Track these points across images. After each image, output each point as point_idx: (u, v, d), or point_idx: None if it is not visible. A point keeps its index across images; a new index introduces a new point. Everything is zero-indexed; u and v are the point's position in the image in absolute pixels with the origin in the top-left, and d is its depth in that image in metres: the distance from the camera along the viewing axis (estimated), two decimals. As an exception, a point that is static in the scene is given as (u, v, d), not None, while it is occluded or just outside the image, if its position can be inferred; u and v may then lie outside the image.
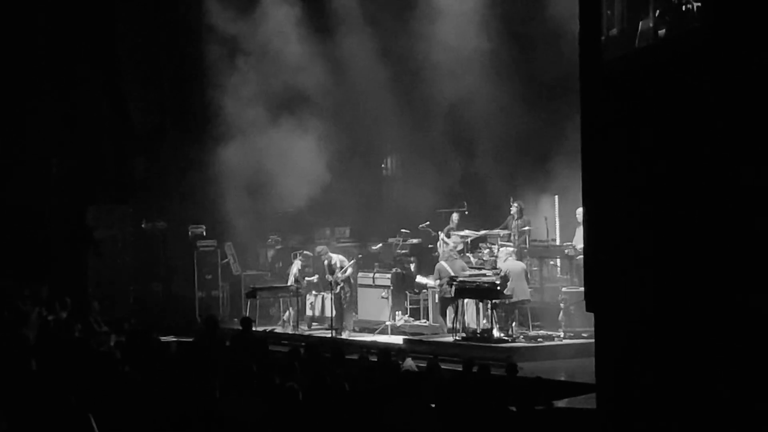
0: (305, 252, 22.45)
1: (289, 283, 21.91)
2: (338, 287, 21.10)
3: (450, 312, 19.70)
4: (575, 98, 14.04)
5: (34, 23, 24.05)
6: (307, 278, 21.97)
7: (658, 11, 11.43)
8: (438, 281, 19.98)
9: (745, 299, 10.13)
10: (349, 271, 21.23)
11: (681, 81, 11.12)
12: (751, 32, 10.11)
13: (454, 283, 19.36)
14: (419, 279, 21.09)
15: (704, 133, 10.69)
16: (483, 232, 20.83)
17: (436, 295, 20.26)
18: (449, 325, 19.59)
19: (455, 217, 21.28)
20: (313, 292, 21.92)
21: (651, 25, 11.53)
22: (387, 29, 22.97)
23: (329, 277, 21.28)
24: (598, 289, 13.39)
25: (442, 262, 20.06)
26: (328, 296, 21.48)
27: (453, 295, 19.45)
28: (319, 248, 21.84)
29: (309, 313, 22.00)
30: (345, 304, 21.10)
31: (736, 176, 10.25)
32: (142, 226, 24.86)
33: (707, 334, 10.70)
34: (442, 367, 15.08)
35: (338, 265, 21.25)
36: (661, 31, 11.33)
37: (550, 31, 19.45)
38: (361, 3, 23.42)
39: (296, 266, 21.99)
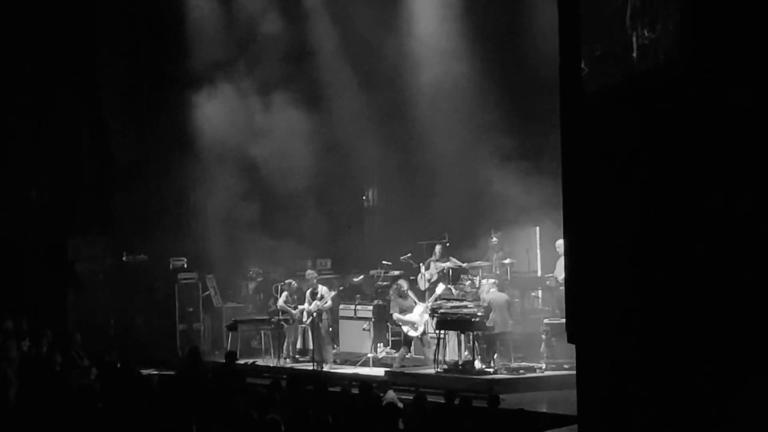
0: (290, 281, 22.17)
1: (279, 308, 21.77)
2: (310, 318, 21.04)
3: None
4: (556, 128, 14.10)
5: (15, 53, 24.00)
6: (299, 307, 21.57)
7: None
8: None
9: (729, 331, 10.15)
10: (329, 303, 21.17)
11: (661, 113, 11.15)
12: (729, 64, 10.16)
13: (436, 314, 19.36)
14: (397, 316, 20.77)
15: (685, 166, 10.72)
16: (464, 263, 20.83)
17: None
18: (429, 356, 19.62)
19: (438, 248, 21.27)
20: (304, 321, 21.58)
21: None
22: (368, 60, 23.05)
23: (306, 307, 21.21)
24: (580, 320, 13.39)
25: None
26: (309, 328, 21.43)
27: (435, 326, 19.46)
28: (309, 272, 21.74)
29: (299, 345, 21.89)
30: (323, 335, 21.00)
31: (718, 209, 10.29)
32: (123, 258, 24.78)
33: (690, 366, 10.70)
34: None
35: (320, 295, 21.19)
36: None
37: (535, 60, 19.53)
38: (341, 36, 23.49)
39: (284, 297, 21.84)
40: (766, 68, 9.87)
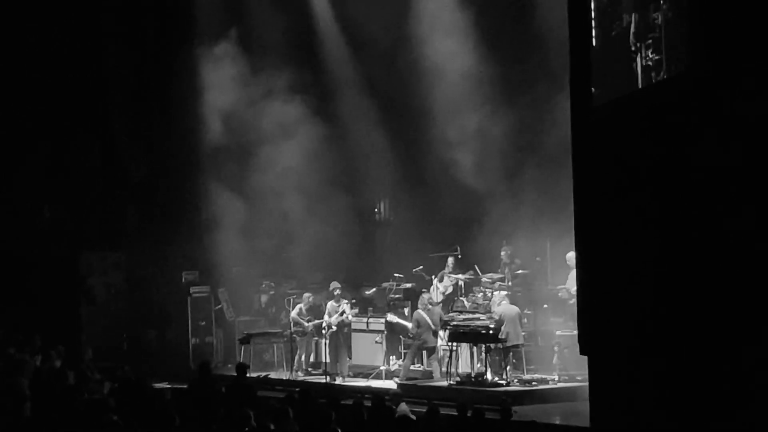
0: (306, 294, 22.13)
1: (292, 323, 21.70)
2: (330, 330, 21.04)
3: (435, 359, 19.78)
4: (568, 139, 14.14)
5: (28, 74, 24.11)
6: (315, 321, 21.55)
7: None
8: (417, 330, 19.94)
9: (737, 343, 10.15)
10: (350, 318, 21.17)
11: (671, 126, 11.18)
12: (740, 78, 10.18)
13: (449, 327, 19.36)
14: (390, 317, 20.82)
15: (694, 179, 10.74)
16: (477, 276, 20.82)
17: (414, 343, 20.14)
18: (443, 369, 19.58)
19: (450, 260, 21.28)
20: (324, 332, 21.52)
21: None
22: (378, 74, 23.09)
23: (326, 320, 21.20)
24: (592, 332, 13.41)
25: (420, 311, 19.99)
26: (322, 341, 21.42)
27: (447, 339, 19.46)
28: (333, 284, 21.62)
29: (312, 359, 21.87)
30: (343, 348, 21.03)
31: (725, 221, 10.30)
32: (135, 272, 24.84)
33: (699, 377, 10.70)
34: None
35: (341, 309, 21.17)
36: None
37: (549, 71, 19.58)
38: (351, 51, 23.56)
39: (297, 309, 21.80)
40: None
